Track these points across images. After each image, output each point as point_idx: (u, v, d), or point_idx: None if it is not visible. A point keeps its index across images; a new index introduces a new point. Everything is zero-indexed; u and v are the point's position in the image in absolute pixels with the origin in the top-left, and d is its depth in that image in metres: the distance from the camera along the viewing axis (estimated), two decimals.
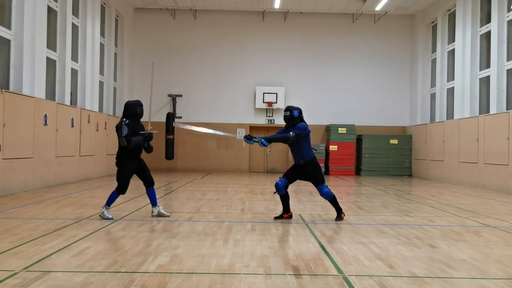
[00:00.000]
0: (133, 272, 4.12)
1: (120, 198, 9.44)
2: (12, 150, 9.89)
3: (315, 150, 7.47)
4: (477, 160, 13.80)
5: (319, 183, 6.97)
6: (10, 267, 4.18)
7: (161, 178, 15.22)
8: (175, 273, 4.11)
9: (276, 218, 7.23)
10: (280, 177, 7.15)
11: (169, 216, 7.15)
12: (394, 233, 6.19)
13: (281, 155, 20.11)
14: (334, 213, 7.99)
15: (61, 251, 4.81)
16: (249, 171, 19.55)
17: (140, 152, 7.10)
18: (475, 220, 7.47)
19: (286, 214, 7.22)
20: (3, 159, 9.57)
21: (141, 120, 7.11)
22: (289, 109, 7.08)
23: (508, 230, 6.59)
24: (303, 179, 7.14)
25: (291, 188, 12.61)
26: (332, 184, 14.81)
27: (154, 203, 7.16)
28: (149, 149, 7.17)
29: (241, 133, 6.99)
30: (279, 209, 8.40)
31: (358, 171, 19.41)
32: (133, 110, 6.90)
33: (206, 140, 19.74)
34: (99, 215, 6.95)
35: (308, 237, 5.81)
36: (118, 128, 6.92)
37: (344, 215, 7.20)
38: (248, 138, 6.92)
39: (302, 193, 11.22)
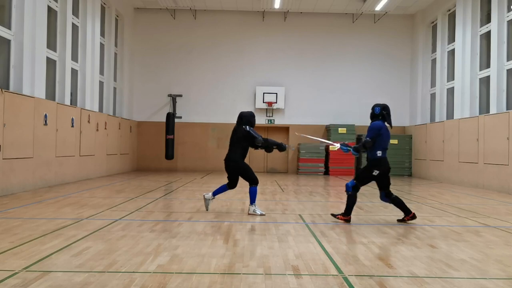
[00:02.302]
0: (133, 272, 4.11)
1: (120, 198, 9.47)
2: (12, 150, 9.89)
3: (383, 154, 7.10)
4: (477, 160, 13.80)
5: (356, 177, 6.88)
6: (10, 267, 4.18)
7: (161, 178, 15.23)
8: (175, 273, 4.11)
9: (399, 220, 7.07)
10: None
11: (207, 210, 7.83)
12: (394, 233, 6.19)
13: (281, 155, 20.11)
14: (334, 213, 8.00)
15: (61, 251, 4.81)
16: None
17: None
18: (475, 220, 7.47)
19: (407, 216, 6.91)
20: (3, 159, 9.57)
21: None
22: (372, 107, 7.03)
23: (508, 230, 6.59)
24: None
25: (291, 188, 12.65)
26: (332, 184, 14.81)
27: (215, 193, 7.91)
28: (270, 150, 7.88)
29: (339, 143, 7.14)
30: (279, 209, 8.41)
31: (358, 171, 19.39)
32: (248, 120, 7.72)
33: (206, 140, 19.75)
34: (249, 214, 7.55)
35: (308, 237, 5.80)
36: (246, 135, 7.58)
37: (341, 219, 6.95)
38: (345, 145, 7.08)
39: (302, 193, 11.22)
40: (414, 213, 6.95)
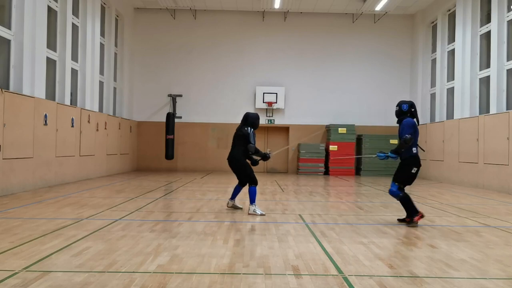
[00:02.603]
0: (133, 272, 4.11)
1: (120, 198, 9.46)
2: (12, 150, 9.89)
3: (423, 150, 6.99)
4: (477, 160, 13.80)
5: (396, 179, 6.72)
6: (10, 267, 4.18)
7: (161, 178, 15.23)
8: (175, 273, 4.11)
9: (399, 220, 7.05)
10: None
11: (241, 208, 8.12)
12: (394, 233, 6.19)
13: (281, 155, 20.12)
14: (334, 213, 8.00)
15: (61, 251, 4.81)
16: None
17: (253, 159, 8.04)
18: (475, 220, 7.47)
19: (416, 217, 6.82)
20: (3, 159, 9.57)
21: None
22: (399, 104, 6.91)
23: (508, 230, 6.59)
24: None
25: (291, 188, 12.65)
26: (333, 184, 14.81)
27: (233, 197, 8.19)
28: (256, 164, 8.09)
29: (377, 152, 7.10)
30: (279, 209, 8.41)
31: (358, 171, 19.41)
32: (253, 122, 7.82)
33: (206, 140, 19.75)
34: (249, 214, 7.59)
35: (308, 237, 5.80)
36: (246, 136, 7.69)
37: (418, 218, 6.62)
38: (381, 153, 7.05)
39: (302, 193, 11.22)
40: (422, 213, 6.83)
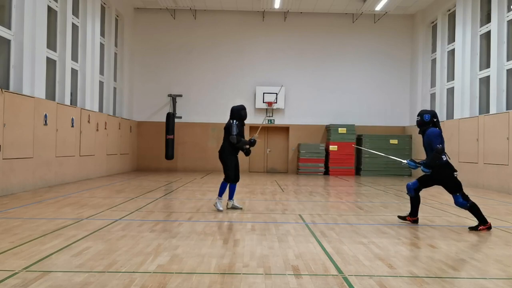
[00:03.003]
0: (133, 272, 4.12)
1: (120, 198, 9.46)
2: (12, 150, 9.89)
3: (449, 158, 6.85)
4: (477, 160, 13.80)
5: (453, 191, 6.51)
6: (10, 267, 4.18)
7: (161, 178, 15.23)
8: (175, 273, 4.11)
9: (400, 217, 7.13)
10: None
11: (241, 208, 8.11)
12: (394, 233, 6.19)
13: (281, 155, 20.12)
14: (334, 213, 8.00)
15: (61, 251, 4.81)
16: (249, 171, 19.54)
17: (238, 151, 8.04)
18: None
19: (410, 217, 6.94)
20: (3, 159, 9.57)
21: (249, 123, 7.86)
22: (420, 113, 6.81)
23: (508, 230, 6.58)
24: (436, 184, 6.76)
25: (291, 188, 12.64)
26: (333, 184, 14.81)
27: (231, 196, 8.12)
28: (248, 153, 8.16)
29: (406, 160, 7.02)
30: (279, 209, 8.41)
31: (358, 171, 19.41)
32: (238, 112, 7.86)
33: (206, 140, 19.75)
34: (213, 205, 7.93)
35: (308, 237, 5.80)
36: (229, 128, 7.80)
37: (483, 229, 6.41)
38: (413, 162, 6.93)
39: (302, 193, 11.22)
40: (417, 219, 6.92)
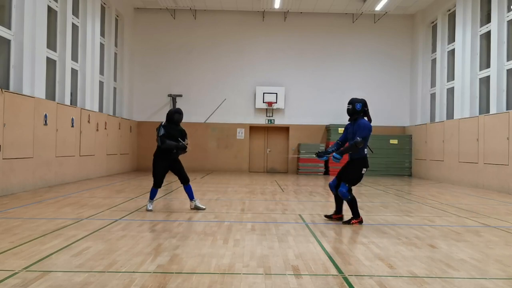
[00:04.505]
0: (133, 272, 4.11)
1: (120, 198, 9.46)
2: (12, 150, 9.89)
3: (372, 151, 6.92)
4: (477, 160, 13.80)
5: (346, 181, 6.65)
6: (10, 267, 4.18)
7: None
8: (175, 273, 4.11)
9: (326, 216, 7.20)
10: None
11: (204, 208, 7.94)
12: (394, 233, 6.19)
13: (281, 155, 20.12)
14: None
15: (61, 251, 4.81)
16: (249, 171, 19.54)
17: (172, 153, 7.69)
18: (475, 220, 7.47)
19: (336, 215, 7.04)
20: (3, 159, 9.56)
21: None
22: (351, 101, 6.80)
23: (508, 230, 6.59)
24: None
25: (291, 188, 12.64)
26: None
27: (191, 197, 7.92)
28: (176, 155, 7.75)
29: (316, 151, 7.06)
30: (279, 209, 8.41)
31: None
32: (170, 116, 7.62)
33: (206, 140, 19.74)
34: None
35: (308, 237, 5.80)
36: (157, 129, 7.60)
37: (355, 223, 6.68)
38: (320, 155, 6.97)
39: (302, 193, 11.22)
40: (362, 218, 6.84)
